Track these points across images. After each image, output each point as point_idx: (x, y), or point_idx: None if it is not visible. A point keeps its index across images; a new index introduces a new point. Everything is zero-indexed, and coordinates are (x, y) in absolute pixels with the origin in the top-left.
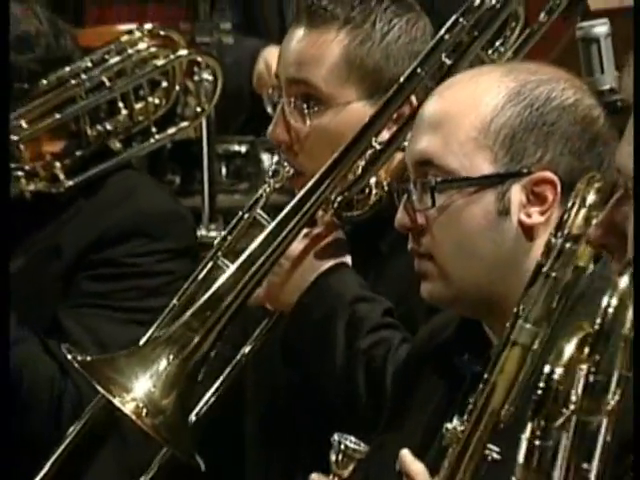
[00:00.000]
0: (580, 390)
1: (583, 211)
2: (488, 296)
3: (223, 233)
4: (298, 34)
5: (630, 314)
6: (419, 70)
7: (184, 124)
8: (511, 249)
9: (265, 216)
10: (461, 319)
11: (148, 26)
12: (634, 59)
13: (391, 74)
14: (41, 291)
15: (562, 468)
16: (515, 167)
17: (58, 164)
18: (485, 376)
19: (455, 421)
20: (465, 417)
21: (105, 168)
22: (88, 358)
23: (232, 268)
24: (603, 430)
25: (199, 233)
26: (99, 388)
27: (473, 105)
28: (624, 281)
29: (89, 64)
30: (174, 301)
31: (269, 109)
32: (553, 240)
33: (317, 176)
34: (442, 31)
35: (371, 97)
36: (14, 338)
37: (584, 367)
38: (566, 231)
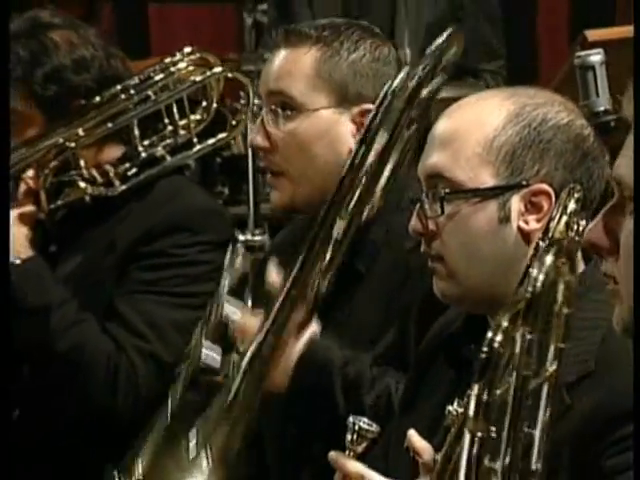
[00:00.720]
0: (518, 349)
1: (564, 218)
2: (491, 293)
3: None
4: (276, 55)
5: (560, 290)
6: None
7: (221, 136)
8: (511, 252)
9: None
10: (467, 313)
11: (187, 49)
12: (634, 83)
13: (357, 87)
14: (99, 281)
15: (508, 423)
16: (515, 180)
17: (113, 171)
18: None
19: (455, 404)
20: (465, 401)
21: (153, 174)
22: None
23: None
24: (544, 395)
25: (245, 237)
26: None
27: (478, 125)
28: (549, 258)
29: (137, 81)
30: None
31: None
32: (541, 243)
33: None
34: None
35: (339, 105)
36: (77, 319)
37: (520, 332)
38: (550, 235)
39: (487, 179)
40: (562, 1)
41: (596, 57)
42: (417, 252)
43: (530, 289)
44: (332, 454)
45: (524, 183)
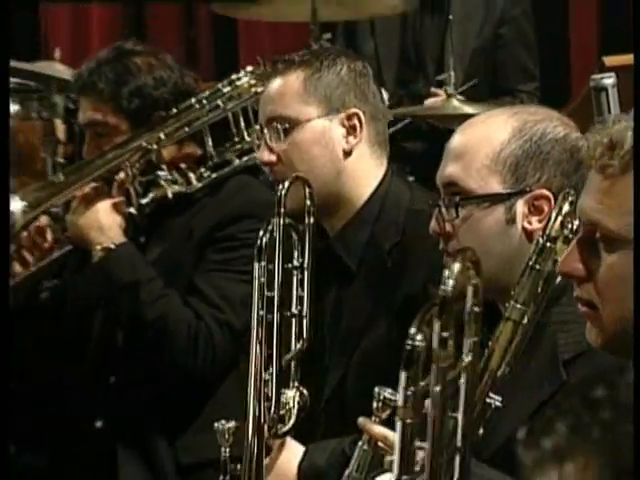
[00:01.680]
0: (435, 345)
1: (560, 218)
2: (499, 282)
3: None
4: (270, 83)
5: (470, 291)
6: None
7: None
8: (516, 249)
9: None
10: None
11: (249, 67)
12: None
13: (340, 96)
14: (180, 263)
15: (435, 409)
16: (519, 187)
17: (191, 172)
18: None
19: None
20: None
21: (224, 174)
22: None
23: None
24: (463, 384)
25: None
26: None
27: (487, 140)
28: (456, 266)
29: (208, 93)
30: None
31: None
32: (540, 240)
33: None
34: None
35: (327, 114)
36: (162, 293)
37: (436, 329)
38: (547, 233)
39: (495, 186)
40: (593, 30)
41: (609, 80)
42: (395, 252)
43: (442, 293)
44: (361, 419)
45: (527, 189)
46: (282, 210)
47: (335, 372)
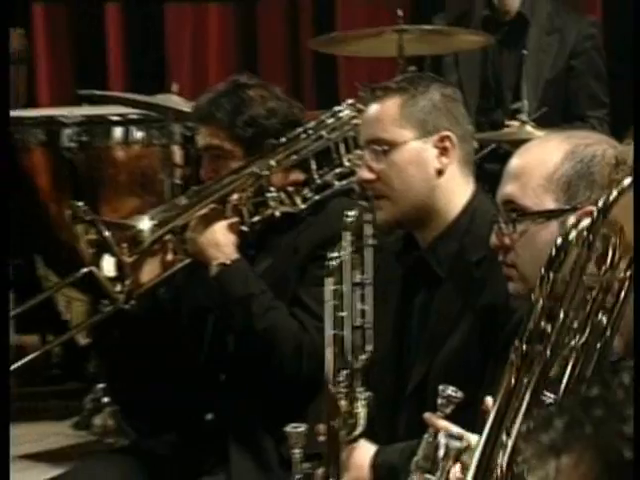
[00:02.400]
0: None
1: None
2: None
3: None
4: (368, 108)
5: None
6: None
7: None
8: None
9: None
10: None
11: (350, 100)
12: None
13: (433, 120)
14: (286, 277)
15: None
16: (571, 204)
17: (296, 194)
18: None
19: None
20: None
21: (326, 196)
22: None
23: None
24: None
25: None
26: None
27: (542, 162)
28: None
29: (313, 124)
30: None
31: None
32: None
33: None
34: None
35: (422, 137)
36: (271, 305)
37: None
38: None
39: (549, 204)
40: None
41: None
42: (481, 263)
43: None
44: (426, 414)
45: (578, 206)
46: (349, 236)
47: (419, 369)
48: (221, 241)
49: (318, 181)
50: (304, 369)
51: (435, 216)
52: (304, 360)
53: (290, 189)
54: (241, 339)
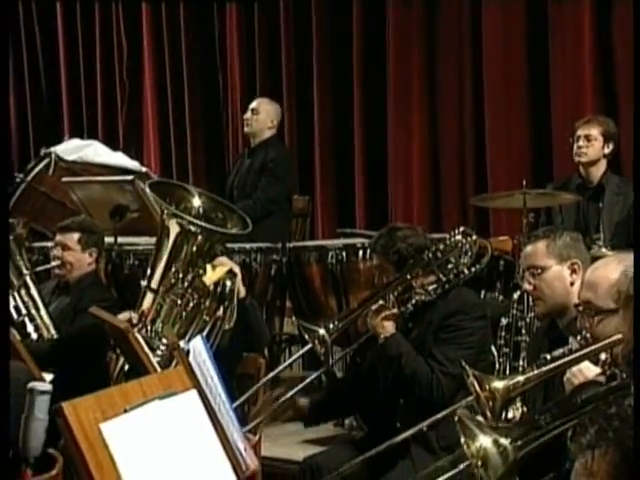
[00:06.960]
0: None
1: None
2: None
3: None
4: (526, 248)
5: None
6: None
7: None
8: (626, 334)
9: None
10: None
11: (461, 228)
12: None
13: (567, 252)
14: (425, 340)
15: None
16: (623, 303)
17: (429, 288)
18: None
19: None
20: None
21: (448, 289)
22: None
23: None
24: None
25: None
26: None
27: (606, 278)
28: None
29: (441, 247)
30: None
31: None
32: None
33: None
34: None
35: (560, 263)
36: (414, 359)
37: None
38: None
39: (611, 304)
40: None
41: None
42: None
43: None
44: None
45: (627, 305)
46: (514, 311)
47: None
48: (385, 324)
49: (443, 279)
50: (435, 397)
51: (569, 310)
52: (435, 391)
53: (426, 285)
54: (399, 380)
